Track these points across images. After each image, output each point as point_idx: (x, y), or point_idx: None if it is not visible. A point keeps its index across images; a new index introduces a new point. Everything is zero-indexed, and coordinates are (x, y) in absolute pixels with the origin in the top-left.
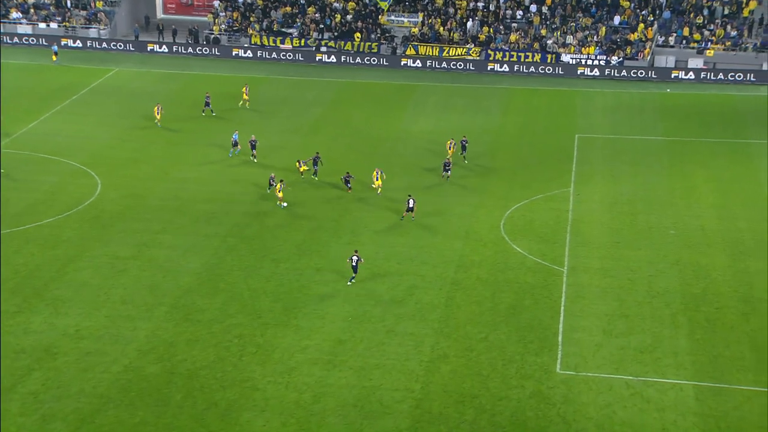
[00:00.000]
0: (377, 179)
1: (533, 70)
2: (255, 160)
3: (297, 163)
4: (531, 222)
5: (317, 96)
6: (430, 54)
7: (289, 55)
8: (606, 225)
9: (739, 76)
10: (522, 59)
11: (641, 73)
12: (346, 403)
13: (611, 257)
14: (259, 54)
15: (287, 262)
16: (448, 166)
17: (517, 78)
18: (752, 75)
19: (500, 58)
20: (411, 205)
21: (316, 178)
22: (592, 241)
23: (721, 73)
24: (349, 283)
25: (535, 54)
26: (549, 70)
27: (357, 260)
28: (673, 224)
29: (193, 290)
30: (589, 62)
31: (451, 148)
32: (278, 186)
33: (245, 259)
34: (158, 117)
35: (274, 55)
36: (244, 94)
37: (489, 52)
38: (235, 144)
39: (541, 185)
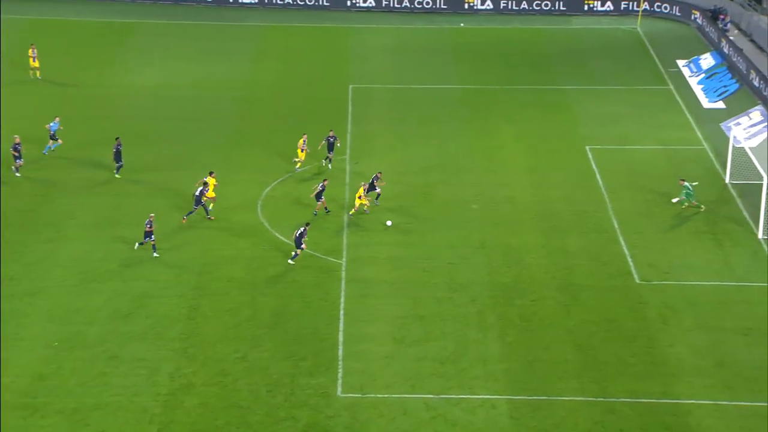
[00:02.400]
0: (364, 196)
1: (290, 0)
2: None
3: None
4: (297, 202)
5: None
6: None
7: None
8: (394, 201)
9: (546, 5)
10: None
11: (427, 4)
12: None
13: (401, 243)
14: None
15: None
16: (321, 192)
17: (270, 12)
18: (561, 3)
19: None
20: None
21: (118, 176)
22: (378, 223)
23: (524, 2)
24: (291, 261)
25: None
26: (310, 0)
27: (300, 232)
28: (476, 196)
29: None
30: None
31: (305, 150)
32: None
33: None
34: None
35: None
36: (31, 60)
37: None
38: (53, 137)
39: (308, 153)
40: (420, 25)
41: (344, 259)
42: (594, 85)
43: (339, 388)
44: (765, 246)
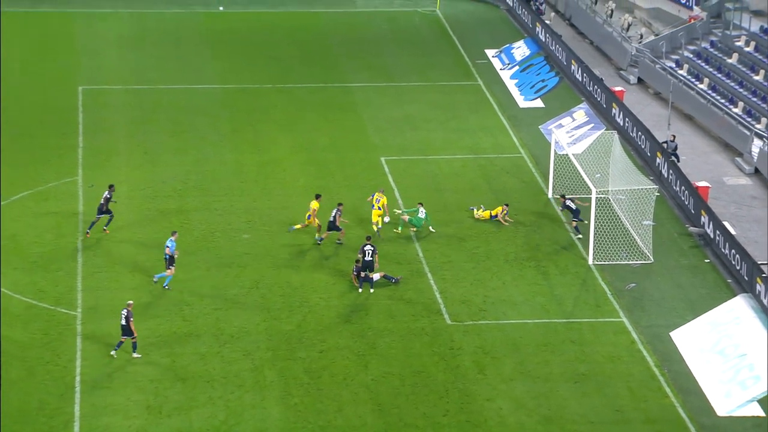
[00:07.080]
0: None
1: None
2: None
3: None
4: (14, 239)
5: None
6: None
7: None
8: (142, 232)
9: None
10: None
11: None
12: None
13: (152, 286)
14: None
15: None
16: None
17: None
18: None
19: None
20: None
21: None
22: (122, 260)
23: None
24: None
25: None
26: None
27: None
28: (247, 224)
29: None
30: None
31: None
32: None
33: None
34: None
35: None
36: None
37: None
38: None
39: (27, 175)
40: (166, 9)
41: (79, 310)
42: (388, 82)
43: None
44: (597, 273)
